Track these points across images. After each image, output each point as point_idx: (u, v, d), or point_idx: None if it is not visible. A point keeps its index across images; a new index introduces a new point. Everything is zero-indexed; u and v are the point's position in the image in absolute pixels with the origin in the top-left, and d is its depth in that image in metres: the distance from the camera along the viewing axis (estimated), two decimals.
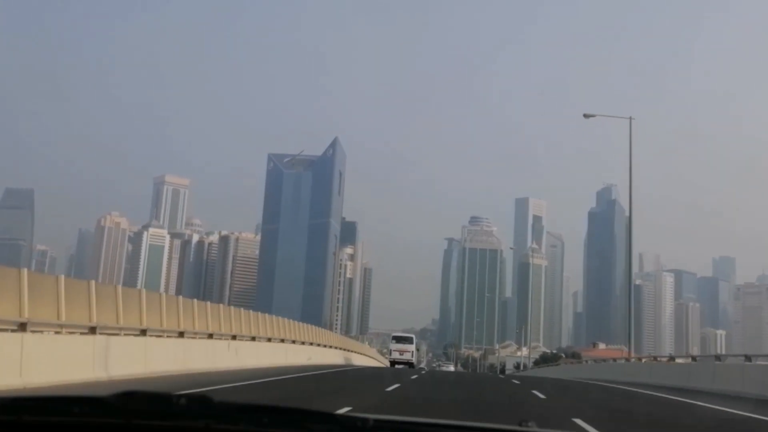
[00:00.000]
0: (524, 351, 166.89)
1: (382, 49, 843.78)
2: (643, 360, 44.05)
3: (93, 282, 20.46)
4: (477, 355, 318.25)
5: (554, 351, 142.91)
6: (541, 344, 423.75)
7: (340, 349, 62.17)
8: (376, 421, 2.01)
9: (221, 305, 33.04)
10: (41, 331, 17.06)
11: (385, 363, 69.26)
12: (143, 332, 21.83)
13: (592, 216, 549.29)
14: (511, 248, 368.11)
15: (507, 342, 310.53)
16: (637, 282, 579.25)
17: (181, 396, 1.93)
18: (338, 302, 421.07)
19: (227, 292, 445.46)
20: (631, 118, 35.47)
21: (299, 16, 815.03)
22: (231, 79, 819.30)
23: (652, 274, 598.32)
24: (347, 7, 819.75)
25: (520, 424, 2.38)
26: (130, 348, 20.64)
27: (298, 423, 1.94)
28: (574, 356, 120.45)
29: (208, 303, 30.38)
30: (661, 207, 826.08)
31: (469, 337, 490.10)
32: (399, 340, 59.34)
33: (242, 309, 35.33)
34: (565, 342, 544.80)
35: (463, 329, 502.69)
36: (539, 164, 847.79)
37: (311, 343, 48.55)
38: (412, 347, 58.00)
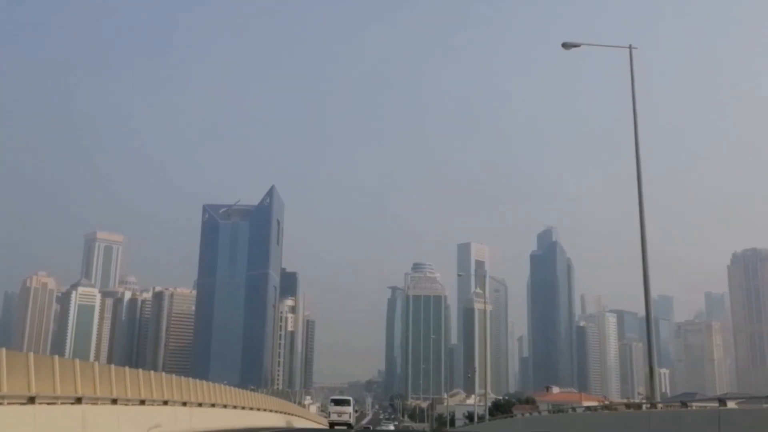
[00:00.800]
0: (473, 399, 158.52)
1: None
2: (622, 406, 34.79)
3: (31, 354, 20.95)
4: (425, 405, 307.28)
5: (505, 397, 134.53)
6: (489, 390, 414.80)
7: (280, 412, 64.22)
8: None
9: (152, 372, 32.97)
10: None
11: (325, 424, 71.23)
12: (79, 400, 22.55)
13: (534, 259, 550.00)
14: (459, 275, 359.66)
15: (455, 390, 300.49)
16: (581, 324, 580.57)
17: None
18: (279, 357, 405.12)
19: (162, 352, 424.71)
20: (630, 47, 29.65)
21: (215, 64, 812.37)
22: (164, 131, 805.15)
23: (595, 316, 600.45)
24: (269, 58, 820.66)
25: None
26: (68, 415, 21.68)
27: None
28: (528, 402, 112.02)
29: (140, 370, 30.77)
30: (604, 245, 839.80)
31: (416, 387, 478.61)
32: (337, 402, 62.52)
33: (174, 375, 35.83)
34: (513, 387, 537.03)
35: (409, 379, 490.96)
36: (481, 208, 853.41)
37: (245, 407, 49.77)
38: (350, 409, 60.59)
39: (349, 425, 59.43)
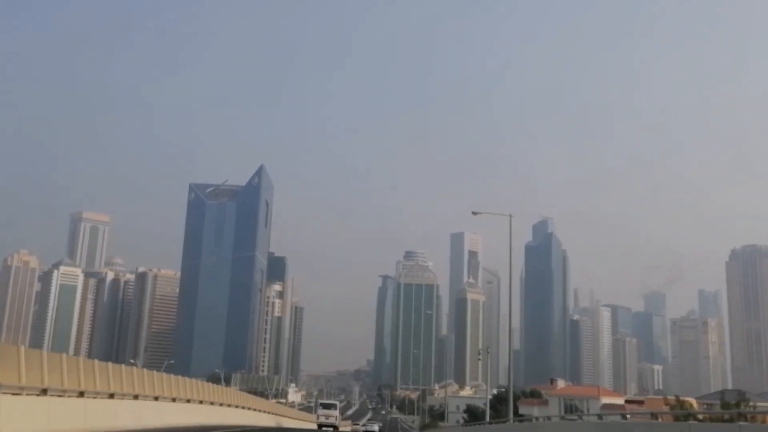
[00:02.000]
0: (468, 390, 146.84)
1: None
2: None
3: None
4: (414, 396, 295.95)
5: (501, 389, 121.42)
6: (481, 382, 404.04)
7: (268, 412, 68.31)
8: None
9: (122, 366, 31.28)
10: None
11: (309, 422, 79.89)
12: (44, 391, 22.24)
13: (529, 250, 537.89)
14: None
15: (447, 381, 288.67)
16: (575, 317, 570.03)
17: None
18: (265, 342, 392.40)
19: (144, 334, 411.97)
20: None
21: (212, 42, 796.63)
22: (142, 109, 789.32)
23: (589, 309, 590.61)
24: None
25: None
26: (33, 407, 21.50)
27: None
28: (533, 395, 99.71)
29: (110, 363, 29.74)
30: (597, 239, 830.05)
31: (406, 377, 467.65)
32: (325, 406, 71.27)
33: (146, 370, 34.89)
34: (503, 380, 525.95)
35: (399, 369, 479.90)
36: (475, 196, 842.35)
37: (215, 403, 47.36)
38: (336, 412, 68.83)
39: (334, 427, 66.37)
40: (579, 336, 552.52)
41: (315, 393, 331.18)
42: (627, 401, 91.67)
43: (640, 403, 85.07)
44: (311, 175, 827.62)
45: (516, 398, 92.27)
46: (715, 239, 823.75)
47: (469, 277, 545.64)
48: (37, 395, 21.82)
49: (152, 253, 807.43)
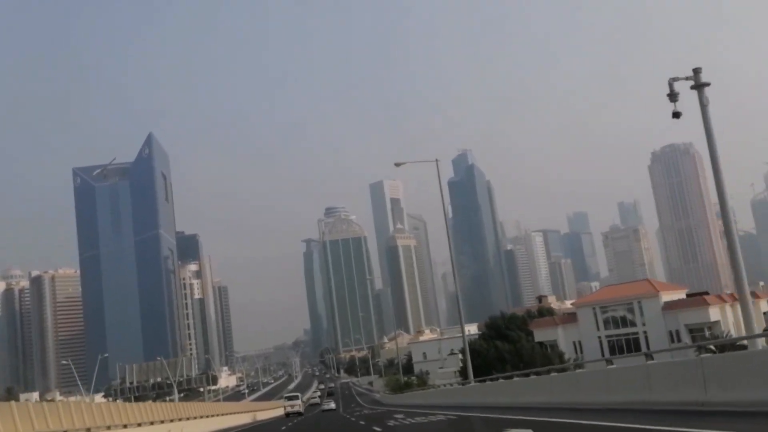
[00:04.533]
0: (429, 334, 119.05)
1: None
2: None
3: None
4: (360, 355, 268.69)
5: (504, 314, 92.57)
6: (424, 328, 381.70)
7: (237, 413, 67.07)
8: None
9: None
10: None
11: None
12: None
13: (453, 186, 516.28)
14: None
15: (396, 332, 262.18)
16: (509, 247, 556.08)
17: None
18: (189, 328, 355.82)
19: (50, 344, 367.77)
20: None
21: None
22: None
23: (522, 237, 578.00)
24: None
25: None
26: None
27: None
28: (542, 314, 71.88)
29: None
30: (520, 170, 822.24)
31: (347, 340, 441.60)
32: (290, 398, 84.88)
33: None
34: (444, 324, 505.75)
35: (338, 332, 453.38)
36: (388, 143, 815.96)
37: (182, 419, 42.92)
38: (299, 402, 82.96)
39: (299, 413, 76.96)
40: (515, 265, 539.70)
41: (252, 373, 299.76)
42: (688, 295, 65.24)
43: (704, 294, 58.64)
44: (209, 141, 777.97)
45: (522, 322, 64.37)
46: (623, 154, 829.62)
47: (396, 224, 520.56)
48: None
49: (52, 255, 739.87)
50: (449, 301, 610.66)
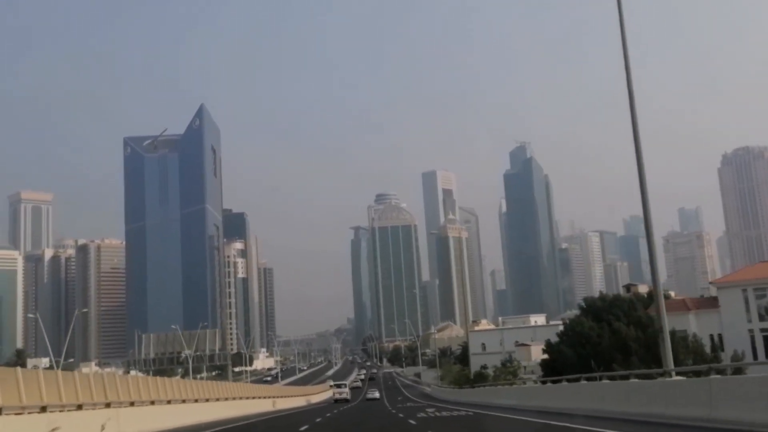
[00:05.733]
0: (486, 325, 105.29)
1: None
2: None
3: None
4: (404, 345, 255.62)
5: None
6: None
7: (260, 397, 57.02)
8: None
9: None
10: None
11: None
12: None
13: (509, 179, 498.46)
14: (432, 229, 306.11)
15: (447, 323, 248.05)
16: (564, 246, 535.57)
17: None
18: (231, 307, 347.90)
19: (93, 314, 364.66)
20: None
21: None
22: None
23: (578, 237, 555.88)
24: None
25: None
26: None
27: None
28: (650, 300, 56.19)
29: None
30: (577, 168, 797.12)
31: (390, 330, 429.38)
32: (338, 386, 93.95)
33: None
34: (492, 318, 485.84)
35: (382, 322, 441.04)
36: (446, 133, 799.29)
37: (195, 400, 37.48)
38: (347, 390, 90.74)
39: (346, 400, 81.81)
40: (569, 265, 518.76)
41: (291, 358, 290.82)
42: None
43: None
44: (261, 123, 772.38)
45: (629, 306, 49.88)
46: (689, 157, 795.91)
47: (447, 215, 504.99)
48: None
49: (100, 224, 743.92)
50: (497, 299, 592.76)
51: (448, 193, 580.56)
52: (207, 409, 35.12)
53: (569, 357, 41.64)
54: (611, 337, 40.65)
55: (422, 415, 31.40)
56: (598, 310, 48.51)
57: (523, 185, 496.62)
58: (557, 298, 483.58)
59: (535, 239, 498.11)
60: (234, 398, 43.53)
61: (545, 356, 56.04)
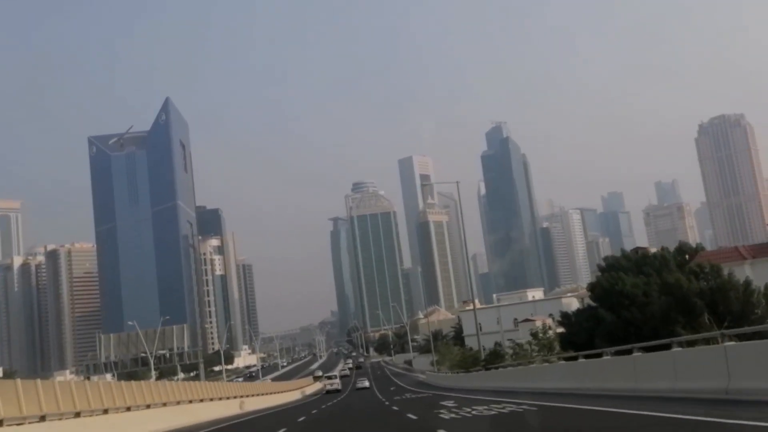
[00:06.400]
0: (479, 304, 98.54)
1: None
2: None
3: None
4: (392, 332, 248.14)
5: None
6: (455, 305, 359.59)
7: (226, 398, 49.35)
8: None
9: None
10: None
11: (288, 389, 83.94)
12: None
13: (486, 160, 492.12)
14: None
15: (432, 307, 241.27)
16: (545, 225, 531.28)
17: None
18: (210, 306, 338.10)
19: (67, 321, 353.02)
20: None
21: None
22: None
23: (559, 214, 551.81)
24: None
25: None
26: None
27: None
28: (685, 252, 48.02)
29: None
30: (550, 149, 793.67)
31: (375, 320, 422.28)
32: (329, 377, 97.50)
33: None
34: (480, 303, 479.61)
35: (366, 312, 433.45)
36: (419, 119, 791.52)
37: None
38: (337, 380, 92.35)
39: (337, 390, 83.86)
40: (551, 243, 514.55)
41: (275, 354, 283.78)
42: None
43: None
44: (231, 115, 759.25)
45: (662, 261, 42.14)
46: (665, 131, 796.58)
47: (426, 199, 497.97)
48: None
49: (71, 228, 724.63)
50: (481, 282, 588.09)
51: (425, 178, 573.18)
52: (134, 420, 26.22)
53: (608, 323, 33.98)
54: (665, 294, 32.90)
55: (445, 415, 19.35)
56: (623, 269, 40.83)
57: (501, 165, 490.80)
58: (542, 278, 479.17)
59: (516, 220, 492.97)
60: (186, 401, 34.92)
61: (560, 330, 48.66)
